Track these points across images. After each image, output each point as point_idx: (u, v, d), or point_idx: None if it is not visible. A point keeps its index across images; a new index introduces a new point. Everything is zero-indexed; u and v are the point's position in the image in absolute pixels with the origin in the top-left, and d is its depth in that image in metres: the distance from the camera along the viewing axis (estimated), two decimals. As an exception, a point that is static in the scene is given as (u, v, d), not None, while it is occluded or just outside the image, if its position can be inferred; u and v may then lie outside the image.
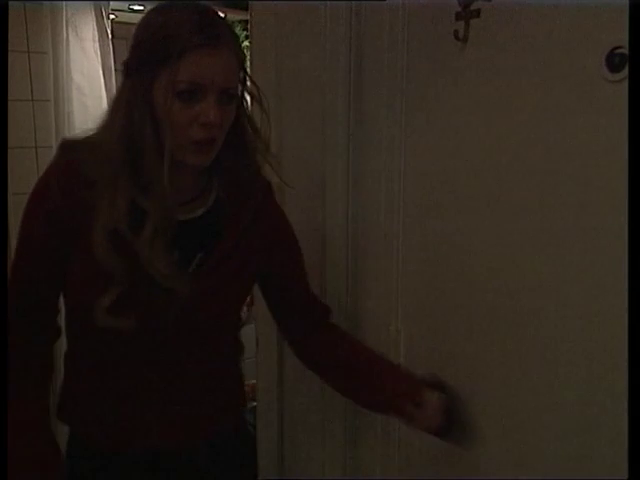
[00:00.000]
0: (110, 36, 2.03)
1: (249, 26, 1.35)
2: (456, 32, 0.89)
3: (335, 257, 1.19)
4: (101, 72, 2.02)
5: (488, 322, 0.93)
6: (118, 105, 0.80)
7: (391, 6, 1.01)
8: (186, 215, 0.87)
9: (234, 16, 2.36)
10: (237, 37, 0.82)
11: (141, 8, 2.19)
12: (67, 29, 1.93)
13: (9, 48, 0.92)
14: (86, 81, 2.01)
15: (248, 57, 2.10)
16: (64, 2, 1.92)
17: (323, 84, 1.14)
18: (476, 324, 0.95)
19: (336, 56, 1.11)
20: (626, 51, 0.70)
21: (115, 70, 2.06)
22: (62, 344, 0.94)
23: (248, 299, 2.17)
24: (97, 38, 1.99)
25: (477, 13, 0.87)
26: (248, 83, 0.85)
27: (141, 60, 0.77)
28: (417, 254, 1.04)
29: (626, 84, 0.70)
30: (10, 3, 0.92)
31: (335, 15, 1.10)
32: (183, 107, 0.76)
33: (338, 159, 1.14)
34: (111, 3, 2.05)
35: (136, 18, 2.25)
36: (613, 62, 0.72)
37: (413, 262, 1.05)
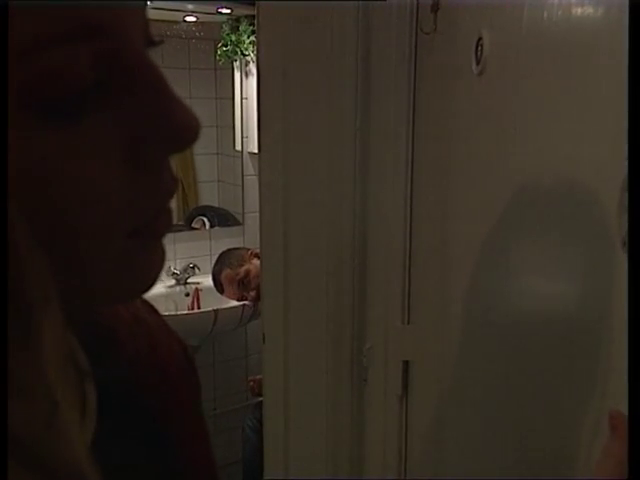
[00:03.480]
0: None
1: (256, 21, 1.35)
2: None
3: (341, 254, 1.19)
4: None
5: (494, 324, 0.93)
6: None
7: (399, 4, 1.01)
8: None
9: (241, 11, 2.36)
10: None
11: (148, 3, 2.19)
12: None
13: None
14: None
15: (254, 53, 2.11)
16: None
17: (331, 79, 1.14)
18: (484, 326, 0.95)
19: (344, 51, 1.11)
20: None
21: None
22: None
23: (254, 294, 2.19)
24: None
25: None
26: None
27: None
28: (426, 252, 1.05)
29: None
30: None
31: (343, 11, 1.10)
32: None
33: (345, 153, 1.14)
34: None
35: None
36: None
37: (422, 259, 1.06)
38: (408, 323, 1.11)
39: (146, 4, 0.30)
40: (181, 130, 0.29)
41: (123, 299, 0.35)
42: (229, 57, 2.46)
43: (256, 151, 1.55)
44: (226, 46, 2.44)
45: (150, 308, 0.45)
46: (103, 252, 0.28)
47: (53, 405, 0.20)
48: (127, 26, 0.27)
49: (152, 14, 2.27)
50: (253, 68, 2.36)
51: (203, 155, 2.67)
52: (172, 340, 0.45)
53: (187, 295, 2.47)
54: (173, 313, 2.26)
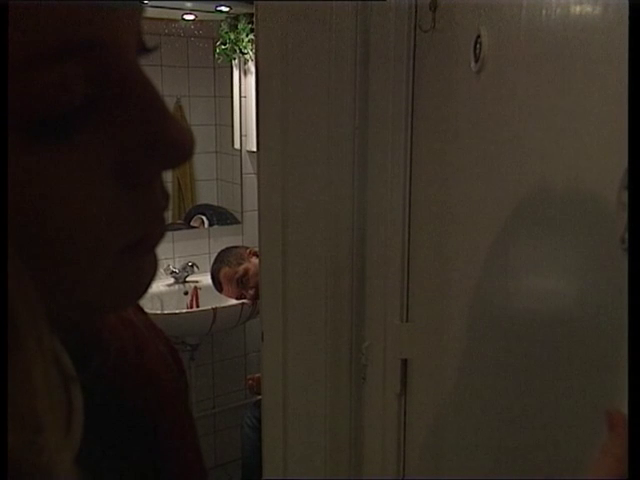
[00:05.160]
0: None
1: (254, 20, 1.35)
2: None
3: (340, 252, 1.19)
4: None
5: (493, 322, 0.93)
6: None
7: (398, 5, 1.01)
8: None
9: (239, 9, 2.36)
10: None
11: (146, 1, 2.19)
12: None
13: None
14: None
15: (253, 51, 2.11)
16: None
17: (330, 78, 1.14)
18: (482, 325, 0.95)
19: (342, 50, 1.11)
20: None
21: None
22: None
23: (253, 293, 2.19)
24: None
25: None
26: None
27: None
28: (424, 250, 1.05)
29: None
30: None
31: (341, 9, 1.10)
32: None
33: (344, 152, 1.14)
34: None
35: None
36: None
37: (420, 257, 1.06)
38: (407, 321, 1.11)
39: (142, 7, 0.29)
40: (175, 147, 0.28)
41: (115, 309, 0.35)
42: (228, 55, 2.46)
43: (255, 149, 1.56)
44: (225, 44, 2.44)
45: (137, 308, 0.45)
46: (95, 268, 0.28)
47: (38, 426, 0.20)
48: (120, 39, 0.27)
49: (151, 12, 2.27)
50: (252, 66, 2.35)
51: (202, 154, 2.67)
52: (159, 341, 0.45)
53: (186, 294, 2.47)
54: (172, 312, 2.26)
